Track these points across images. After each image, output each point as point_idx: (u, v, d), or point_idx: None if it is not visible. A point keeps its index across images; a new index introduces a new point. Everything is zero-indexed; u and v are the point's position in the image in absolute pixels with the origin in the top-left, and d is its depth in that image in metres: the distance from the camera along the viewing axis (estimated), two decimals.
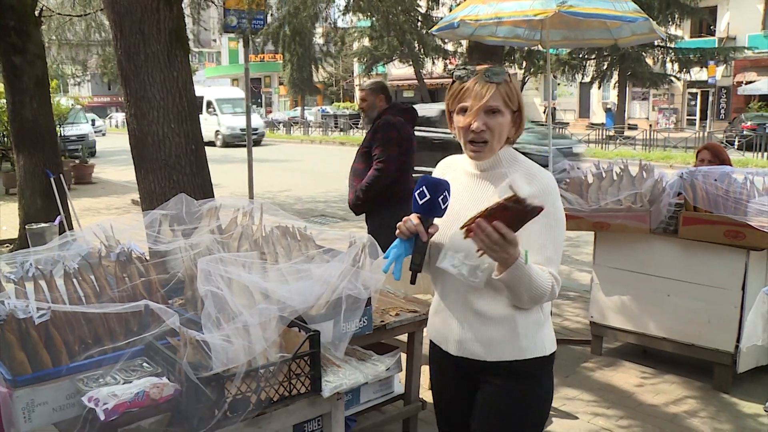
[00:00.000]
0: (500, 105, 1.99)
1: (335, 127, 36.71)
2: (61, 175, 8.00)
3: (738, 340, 4.19)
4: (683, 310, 4.44)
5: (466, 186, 2.12)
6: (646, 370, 4.72)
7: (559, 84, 37.51)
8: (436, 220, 1.97)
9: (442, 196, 1.93)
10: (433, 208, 1.94)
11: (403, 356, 3.41)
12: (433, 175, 2.15)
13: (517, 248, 1.82)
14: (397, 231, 1.97)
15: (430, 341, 2.28)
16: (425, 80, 33.00)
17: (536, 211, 1.74)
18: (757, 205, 4.10)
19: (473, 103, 1.98)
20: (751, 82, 30.85)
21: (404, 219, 1.97)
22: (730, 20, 33.10)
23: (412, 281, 1.96)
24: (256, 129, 30.00)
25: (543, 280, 1.92)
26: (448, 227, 2.03)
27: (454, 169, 2.20)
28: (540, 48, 7.31)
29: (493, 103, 1.97)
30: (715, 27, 34.07)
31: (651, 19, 5.28)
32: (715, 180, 4.29)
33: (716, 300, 4.28)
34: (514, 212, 1.75)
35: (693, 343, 4.43)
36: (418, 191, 1.94)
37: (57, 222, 7.02)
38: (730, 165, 4.84)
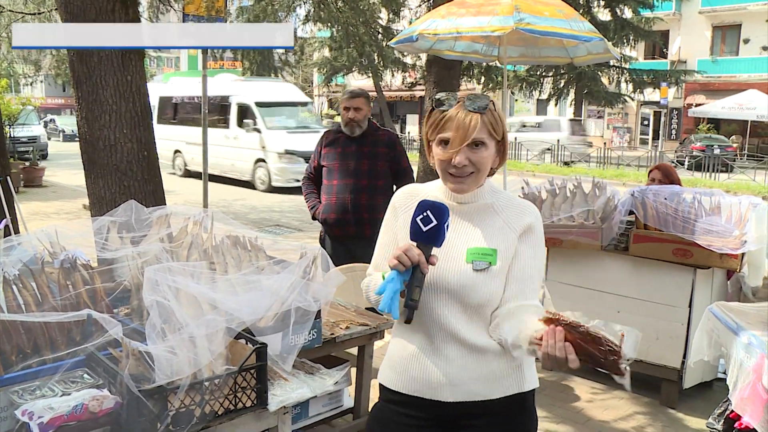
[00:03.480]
0: (485, 137, 1.82)
1: None
2: (8, 178, 7.75)
3: (685, 356, 4.26)
4: (632, 326, 4.44)
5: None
6: (595, 385, 4.77)
7: (516, 100, 38.03)
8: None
9: (446, 223, 1.75)
10: (438, 236, 1.74)
11: (353, 369, 3.38)
12: (393, 204, 2.03)
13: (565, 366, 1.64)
14: (393, 262, 1.72)
15: (390, 395, 2.00)
16: (384, 92, 33.14)
17: (615, 370, 1.60)
18: (705, 225, 4.19)
19: (455, 135, 1.80)
20: (700, 105, 31.73)
21: (402, 248, 1.72)
22: (681, 44, 34.05)
23: (409, 320, 1.72)
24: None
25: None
26: (438, 260, 1.83)
27: (423, 198, 1.91)
28: (498, 64, 7.39)
29: (479, 135, 1.80)
30: (667, 50, 35.01)
31: (606, 40, 5.38)
32: (665, 199, 4.37)
33: (664, 317, 4.35)
34: (595, 352, 1.60)
35: (641, 359, 4.48)
36: (421, 216, 1.74)
37: (2, 226, 6.79)
38: (680, 185, 4.94)
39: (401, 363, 1.97)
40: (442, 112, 1.83)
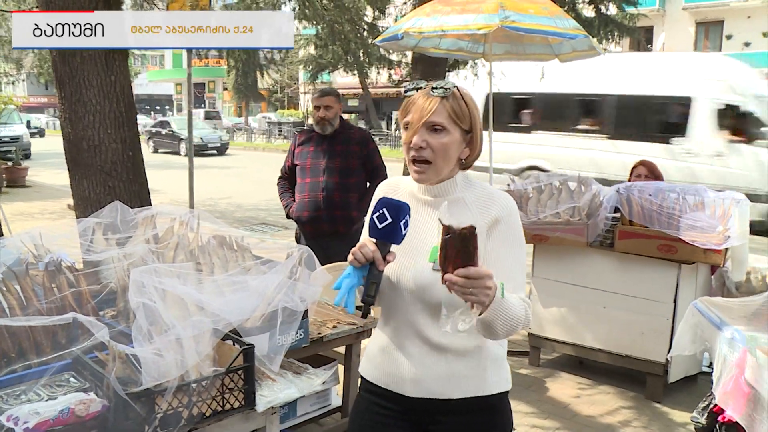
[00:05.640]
0: (444, 121, 1.82)
1: (279, 134, 36.47)
2: None
3: (670, 350, 4.29)
4: (618, 321, 4.53)
5: (419, 213, 1.92)
6: (582, 381, 4.80)
7: None
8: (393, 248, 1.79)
9: (403, 221, 1.75)
10: (394, 234, 1.75)
11: (341, 368, 3.38)
12: (375, 197, 1.97)
13: (493, 281, 1.63)
14: (350, 258, 1.76)
15: (367, 385, 2.03)
16: (370, 89, 33.13)
17: (471, 231, 1.58)
18: (689, 221, 4.23)
19: (413, 116, 1.83)
20: None
21: (359, 244, 1.77)
22: (665, 40, 34.23)
23: (365, 315, 1.76)
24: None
25: (518, 310, 1.75)
26: (401, 258, 1.85)
27: (400, 192, 1.99)
28: (483, 61, 7.41)
29: (435, 118, 1.81)
30: (651, 46, 35.19)
31: (591, 37, 5.40)
32: (650, 195, 4.41)
33: (650, 312, 4.39)
34: (458, 243, 1.58)
35: (627, 354, 4.53)
36: (377, 214, 1.75)
37: None
38: (663, 180, 4.98)
39: (375, 355, 2.01)
40: (409, 97, 1.88)
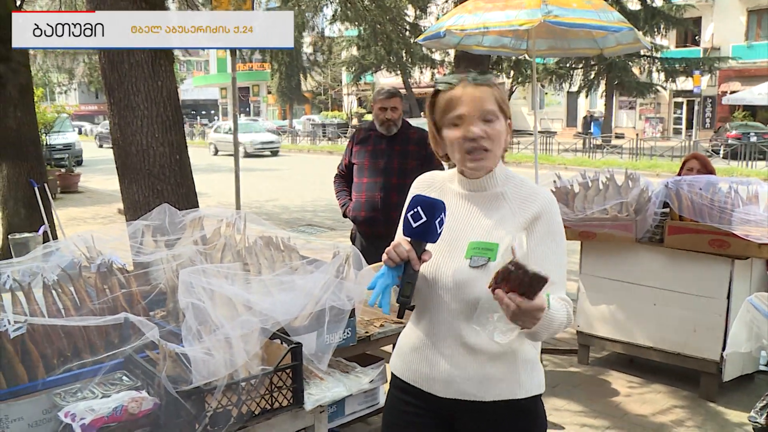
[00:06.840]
0: (496, 110, 1.79)
1: (323, 136, 36.72)
2: (46, 185, 7.93)
3: (724, 348, 4.19)
4: (669, 319, 4.44)
5: (456, 209, 1.88)
6: (633, 379, 4.72)
7: (546, 93, 37.69)
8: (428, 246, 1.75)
9: (438, 219, 1.71)
10: (428, 232, 1.71)
11: (389, 367, 3.38)
12: (411, 193, 1.96)
13: (543, 310, 1.56)
14: (384, 257, 1.72)
15: (396, 381, 2.01)
16: (413, 89, 33.16)
17: (543, 281, 1.52)
18: (742, 215, 4.11)
19: (469, 109, 1.78)
20: (735, 92, 31.12)
21: (393, 243, 1.73)
22: (714, 31, 33.42)
23: (400, 315, 1.73)
24: None
25: (560, 314, 1.71)
26: (437, 255, 1.82)
27: (438, 188, 1.95)
28: (527, 57, 7.34)
29: (491, 106, 1.78)
30: (699, 37, 34.39)
31: (636, 29, 5.31)
32: (700, 189, 4.30)
33: (702, 309, 4.28)
34: (522, 279, 1.53)
35: (679, 352, 4.43)
36: (412, 212, 1.72)
37: (41, 232, 6.94)
38: (714, 174, 4.86)
39: (406, 352, 1.98)
40: (448, 93, 1.82)
